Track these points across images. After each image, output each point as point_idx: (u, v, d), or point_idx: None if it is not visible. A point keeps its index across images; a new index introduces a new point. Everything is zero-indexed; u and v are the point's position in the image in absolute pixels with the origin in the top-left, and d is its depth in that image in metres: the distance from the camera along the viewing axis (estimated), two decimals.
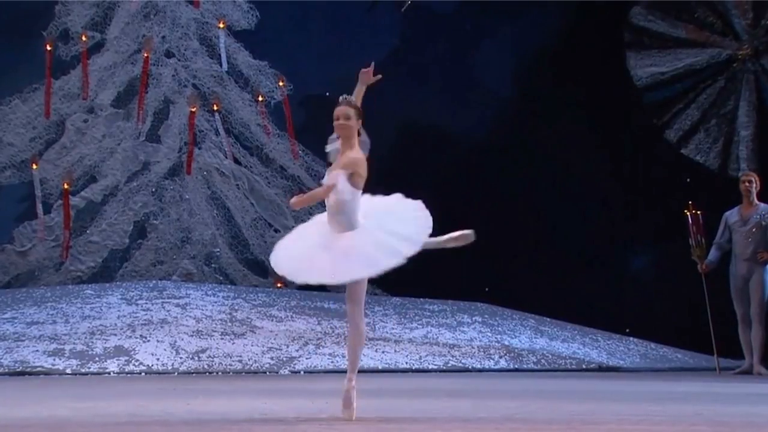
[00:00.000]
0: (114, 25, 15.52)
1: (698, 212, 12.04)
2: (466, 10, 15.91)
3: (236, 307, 13.33)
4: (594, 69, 15.44)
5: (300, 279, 5.94)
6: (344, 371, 6.10)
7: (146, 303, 13.10)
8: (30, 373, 10.82)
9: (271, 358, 11.68)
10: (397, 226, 5.96)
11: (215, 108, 15.58)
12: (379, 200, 6.17)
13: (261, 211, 15.48)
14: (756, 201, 11.99)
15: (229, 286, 14.75)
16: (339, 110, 6.17)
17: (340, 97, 6.26)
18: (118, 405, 6.92)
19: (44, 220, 15.00)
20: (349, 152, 6.02)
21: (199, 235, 15.20)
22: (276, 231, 15.42)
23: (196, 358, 11.49)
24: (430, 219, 6.00)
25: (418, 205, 6.09)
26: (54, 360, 11.10)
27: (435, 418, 6.07)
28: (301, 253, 5.99)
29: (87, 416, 6.19)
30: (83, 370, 10.94)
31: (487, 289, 14.85)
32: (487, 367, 12.15)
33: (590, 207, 15.31)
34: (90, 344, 11.53)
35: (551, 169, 15.39)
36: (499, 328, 13.59)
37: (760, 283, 11.85)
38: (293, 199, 6.00)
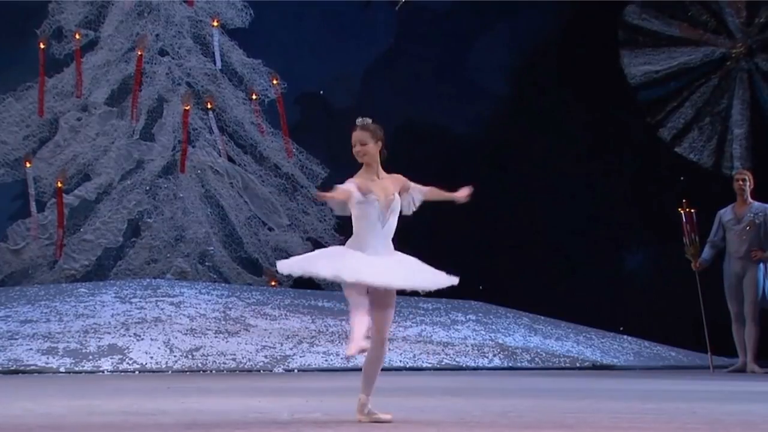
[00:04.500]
0: (108, 23, 15.50)
1: (692, 210, 12.05)
2: (461, 8, 15.90)
3: (230, 306, 13.32)
4: (588, 67, 15.44)
5: (385, 282, 5.74)
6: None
7: (140, 301, 13.09)
8: (24, 372, 10.80)
9: (265, 357, 11.67)
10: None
11: (209, 106, 15.56)
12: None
13: (255, 209, 15.47)
14: (750, 199, 12.00)
15: (223, 285, 14.74)
16: (354, 136, 5.81)
17: (357, 120, 5.86)
18: (112, 403, 6.91)
19: (38, 218, 14.97)
20: (385, 175, 5.85)
21: (193, 234, 15.19)
22: (270, 229, 15.43)
23: (190, 357, 11.48)
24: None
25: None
26: (48, 358, 11.09)
27: (429, 416, 6.07)
28: (371, 260, 5.73)
29: (81, 415, 6.18)
30: (77, 369, 10.93)
31: (481, 288, 14.85)
32: (481, 365, 12.15)
33: (584, 205, 15.32)
34: (84, 342, 11.52)
35: (545, 167, 15.39)
36: (493, 327, 13.60)
37: (754, 282, 11.86)
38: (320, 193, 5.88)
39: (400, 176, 5.95)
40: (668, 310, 14.33)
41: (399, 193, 5.87)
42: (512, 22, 16.01)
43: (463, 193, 5.96)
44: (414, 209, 5.97)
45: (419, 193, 5.98)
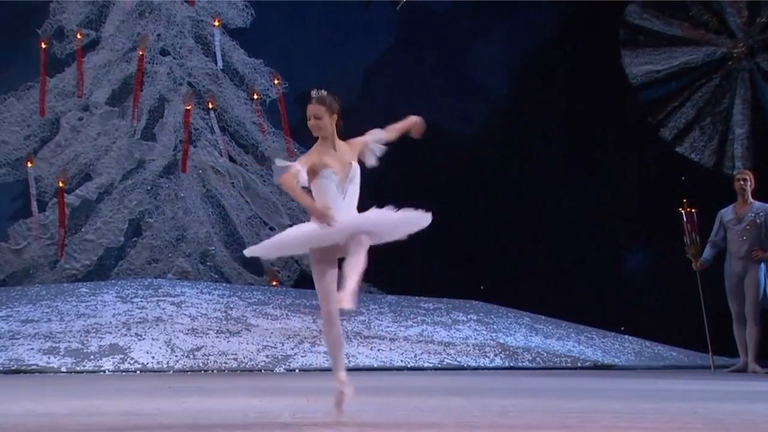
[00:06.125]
0: (109, 23, 15.51)
1: (693, 210, 12.05)
2: (460, 8, 15.91)
3: (231, 305, 13.32)
4: (588, 67, 15.44)
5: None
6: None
7: (141, 301, 13.09)
8: (25, 372, 10.81)
9: (267, 356, 11.67)
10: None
11: (210, 106, 15.57)
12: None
13: (256, 209, 15.48)
14: (751, 199, 11.99)
15: (224, 285, 14.75)
16: (309, 109, 5.81)
17: (312, 92, 5.85)
18: (113, 403, 6.92)
19: (39, 218, 14.99)
20: (341, 144, 5.87)
21: (194, 233, 15.20)
22: (271, 229, 15.43)
23: (192, 357, 11.48)
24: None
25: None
26: (49, 358, 11.09)
27: (430, 416, 6.07)
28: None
29: (82, 415, 6.18)
30: (78, 369, 10.93)
31: (482, 287, 14.85)
32: (482, 365, 12.15)
33: (585, 205, 15.31)
34: (85, 342, 11.53)
35: (545, 166, 15.39)
36: (495, 326, 13.59)
37: (755, 281, 11.86)
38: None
39: (356, 140, 5.95)
40: (669, 309, 14.33)
41: (360, 154, 5.90)
42: (512, 22, 16.00)
43: (414, 120, 6.01)
44: (378, 155, 5.96)
45: (377, 142, 5.97)
